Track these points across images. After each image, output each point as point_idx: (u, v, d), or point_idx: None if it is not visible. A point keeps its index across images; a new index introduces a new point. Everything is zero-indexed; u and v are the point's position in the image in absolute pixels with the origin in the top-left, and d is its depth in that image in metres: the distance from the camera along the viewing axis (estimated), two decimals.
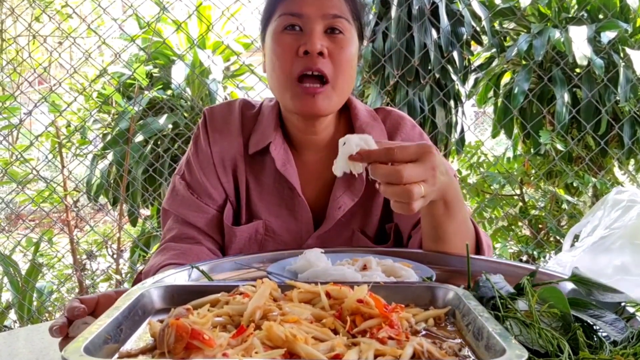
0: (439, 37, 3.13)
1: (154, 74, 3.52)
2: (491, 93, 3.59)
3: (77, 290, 3.53)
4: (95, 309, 0.90)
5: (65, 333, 0.86)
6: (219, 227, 1.27)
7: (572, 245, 1.55)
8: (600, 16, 3.23)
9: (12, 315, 3.22)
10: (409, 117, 1.35)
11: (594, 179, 3.19)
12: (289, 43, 1.16)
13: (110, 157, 3.44)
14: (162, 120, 3.33)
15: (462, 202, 1.09)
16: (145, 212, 3.80)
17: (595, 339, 0.71)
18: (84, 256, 3.62)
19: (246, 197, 1.27)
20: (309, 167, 1.28)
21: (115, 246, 3.55)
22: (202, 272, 0.96)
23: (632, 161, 3.48)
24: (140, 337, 0.66)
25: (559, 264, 1.41)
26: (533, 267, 0.98)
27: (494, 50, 3.42)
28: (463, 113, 3.49)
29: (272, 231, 1.26)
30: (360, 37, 1.24)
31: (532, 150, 3.32)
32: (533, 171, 3.46)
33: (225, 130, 1.28)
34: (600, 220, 1.49)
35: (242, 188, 1.27)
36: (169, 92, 3.48)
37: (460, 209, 1.07)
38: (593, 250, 1.37)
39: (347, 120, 1.30)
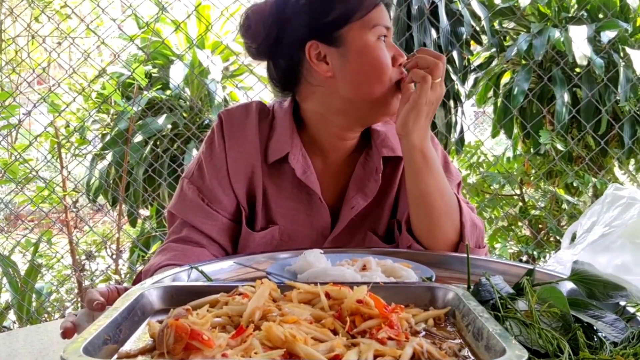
0: (438, 37, 3.13)
1: (153, 74, 3.51)
2: (491, 93, 3.59)
3: (76, 290, 3.53)
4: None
5: (104, 309, 0.90)
6: (228, 234, 1.25)
7: (572, 241, 1.55)
8: (600, 16, 3.23)
9: (12, 315, 3.21)
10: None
11: (594, 179, 3.19)
12: (387, 54, 1.18)
13: (109, 157, 3.44)
14: (161, 120, 3.32)
15: (440, 167, 1.19)
16: (144, 212, 3.80)
17: (596, 339, 0.70)
18: (83, 257, 3.61)
19: (264, 202, 1.25)
20: (331, 169, 1.27)
21: (114, 246, 3.55)
22: (202, 272, 0.96)
23: (632, 161, 3.48)
24: (140, 338, 0.66)
25: (559, 262, 1.41)
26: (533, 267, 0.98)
27: (493, 49, 3.42)
28: (462, 113, 3.49)
29: (288, 236, 1.25)
30: None
31: (532, 150, 3.32)
32: (533, 171, 3.46)
33: (242, 136, 1.25)
34: (598, 216, 1.49)
35: (259, 194, 1.25)
36: (168, 92, 3.47)
37: (439, 169, 1.18)
38: (593, 249, 1.37)
39: None
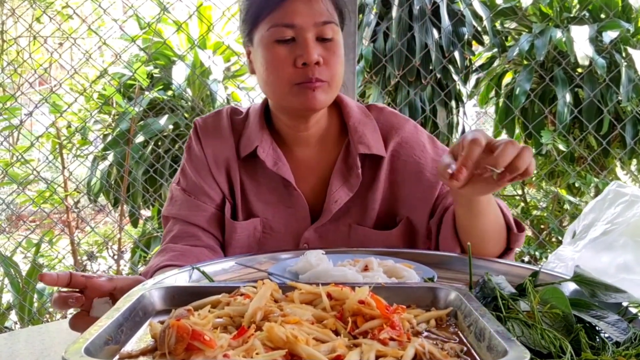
0: (440, 37, 3.13)
1: (155, 75, 3.52)
2: (493, 93, 3.59)
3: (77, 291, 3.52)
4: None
5: (81, 303, 0.96)
6: (219, 224, 1.30)
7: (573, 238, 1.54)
8: (602, 16, 3.23)
9: (13, 316, 3.22)
10: (410, 119, 1.36)
11: (596, 179, 3.18)
12: (284, 55, 1.17)
13: (110, 157, 3.44)
14: (163, 120, 3.32)
15: (490, 205, 1.11)
16: (146, 212, 3.80)
17: (598, 339, 0.70)
18: (85, 257, 3.62)
19: (242, 196, 1.30)
20: (302, 162, 1.30)
21: (115, 247, 3.55)
22: (203, 273, 0.96)
23: (634, 161, 3.48)
24: (141, 338, 0.66)
25: (560, 259, 1.40)
26: (535, 268, 0.98)
27: (495, 50, 3.42)
28: (464, 113, 3.49)
29: (270, 228, 1.29)
30: (342, 25, 1.26)
31: (533, 151, 3.31)
32: (535, 171, 3.45)
33: (217, 134, 1.31)
34: (600, 212, 1.48)
35: (237, 188, 1.29)
36: (170, 92, 3.48)
37: (487, 210, 1.10)
38: (595, 247, 1.37)
39: (339, 116, 1.32)
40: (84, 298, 0.97)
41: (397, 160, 1.28)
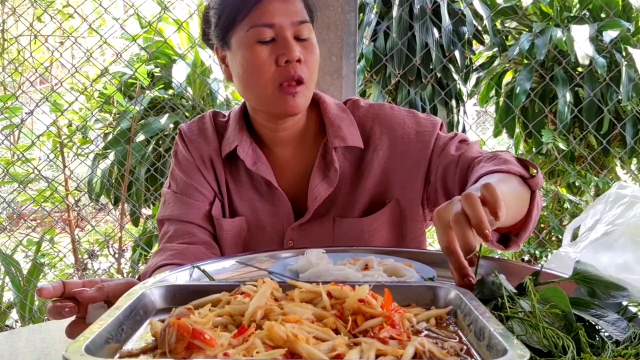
0: (440, 37, 3.13)
1: (155, 74, 3.52)
2: (493, 92, 3.58)
3: None
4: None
5: (75, 312, 0.95)
6: (211, 221, 1.31)
7: (573, 239, 1.54)
8: (603, 15, 3.23)
9: (14, 314, 3.22)
10: (386, 103, 1.37)
11: (596, 178, 3.19)
12: (266, 55, 1.18)
13: (111, 156, 3.45)
14: (164, 119, 3.33)
15: (509, 195, 0.99)
16: (146, 211, 3.80)
17: (598, 338, 0.70)
18: (86, 256, 3.62)
19: (228, 195, 1.32)
20: (282, 161, 1.32)
21: (116, 245, 3.55)
22: (204, 271, 0.96)
23: (634, 160, 3.48)
24: (142, 337, 0.66)
25: (560, 259, 1.40)
26: (535, 267, 0.98)
27: (495, 49, 3.42)
28: (465, 112, 3.49)
29: (255, 226, 1.30)
30: (312, 21, 1.27)
31: (534, 150, 3.32)
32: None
33: (202, 136, 1.34)
34: (601, 215, 1.48)
35: (223, 187, 1.32)
36: (170, 91, 3.48)
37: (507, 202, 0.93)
38: (595, 247, 1.36)
39: (317, 114, 1.33)
40: (77, 308, 0.95)
41: (386, 147, 1.28)
